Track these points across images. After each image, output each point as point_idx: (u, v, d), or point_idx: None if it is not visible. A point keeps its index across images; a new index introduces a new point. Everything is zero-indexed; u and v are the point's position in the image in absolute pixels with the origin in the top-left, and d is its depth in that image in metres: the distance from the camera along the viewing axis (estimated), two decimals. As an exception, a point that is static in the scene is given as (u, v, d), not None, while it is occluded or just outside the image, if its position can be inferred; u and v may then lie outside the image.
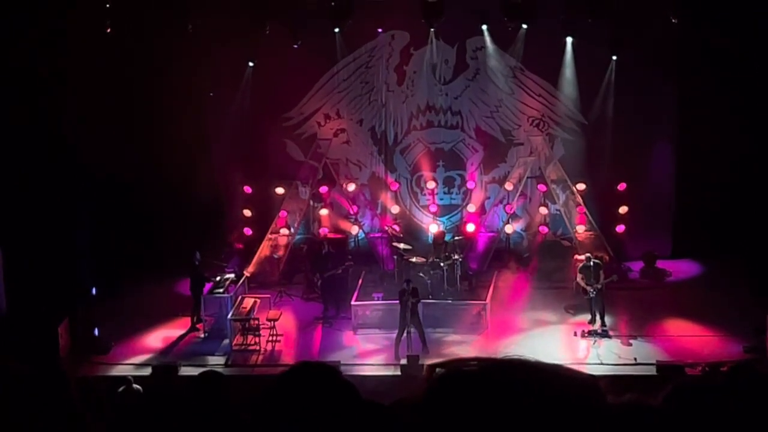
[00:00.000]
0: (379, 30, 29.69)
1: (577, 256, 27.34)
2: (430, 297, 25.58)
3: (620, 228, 29.50)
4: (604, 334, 24.19)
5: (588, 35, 28.40)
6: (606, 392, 2.72)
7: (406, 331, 23.35)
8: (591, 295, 24.49)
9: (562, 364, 2.62)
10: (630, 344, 24.03)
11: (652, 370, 22.31)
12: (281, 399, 3.48)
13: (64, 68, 25.37)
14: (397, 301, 23.74)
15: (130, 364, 23.66)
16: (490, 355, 2.58)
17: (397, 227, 29.77)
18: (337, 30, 28.96)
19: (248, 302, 25.74)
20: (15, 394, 4.16)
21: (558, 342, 24.34)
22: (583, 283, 24.60)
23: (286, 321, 25.90)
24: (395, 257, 28.22)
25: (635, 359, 23.06)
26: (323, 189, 30.25)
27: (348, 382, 3.62)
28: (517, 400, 2.36)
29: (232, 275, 26.83)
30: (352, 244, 30.24)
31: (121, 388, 20.31)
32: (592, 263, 24.77)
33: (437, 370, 2.56)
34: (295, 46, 28.43)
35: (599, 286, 24.47)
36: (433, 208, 30.65)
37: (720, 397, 3.66)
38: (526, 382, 2.42)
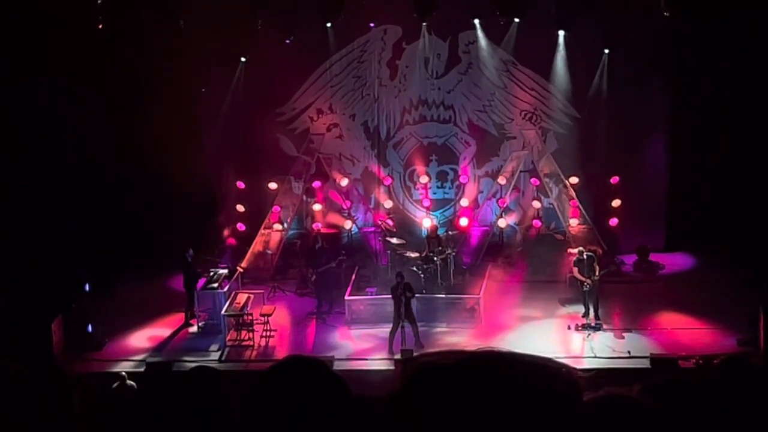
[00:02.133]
0: (371, 24, 29.73)
1: (570, 250, 27.38)
2: (424, 291, 25.55)
3: (613, 221, 29.50)
4: (598, 327, 24.21)
5: (580, 29, 28.44)
6: (587, 385, 2.71)
7: (400, 326, 23.37)
8: (587, 288, 24.50)
9: (538, 356, 2.61)
10: (623, 337, 24.04)
11: (645, 363, 22.32)
12: (270, 392, 3.48)
13: (55, 65, 25.27)
14: (391, 296, 23.74)
15: (124, 361, 23.65)
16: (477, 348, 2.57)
17: (390, 222, 29.76)
18: (329, 25, 29.01)
19: (242, 298, 25.72)
20: (12, 394, 4.15)
21: (551, 335, 24.35)
22: (580, 276, 24.58)
23: (280, 316, 25.88)
24: (389, 252, 28.18)
25: (629, 352, 23.07)
26: (316, 184, 30.25)
27: (336, 375, 3.62)
28: (490, 394, 2.36)
29: (225, 271, 26.79)
30: (346, 238, 30.22)
31: (115, 385, 20.29)
32: (585, 256, 24.78)
33: (410, 364, 2.56)
34: (288, 41, 28.45)
35: (596, 278, 24.47)
36: (426, 203, 30.67)
37: (713, 389, 3.66)
38: (499, 375, 2.41)
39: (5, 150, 24.32)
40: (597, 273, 24.54)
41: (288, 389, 3.46)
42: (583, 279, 24.49)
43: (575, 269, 24.83)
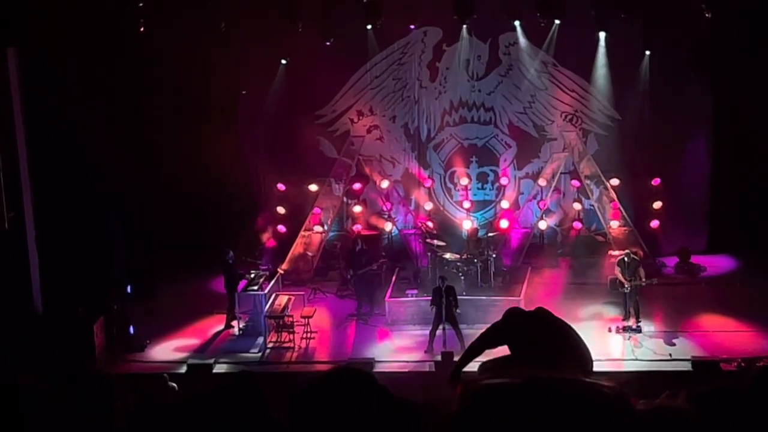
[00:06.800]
0: (412, 26, 29.69)
1: (611, 252, 27.31)
2: (464, 293, 25.49)
3: (654, 223, 29.33)
4: (638, 330, 24.10)
5: (621, 30, 28.33)
6: (637, 393, 2.70)
7: (441, 328, 23.38)
8: (626, 290, 24.38)
9: (590, 380, 2.60)
10: (665, 340, 23.92)
11: (687, 366, 22.19)
12: (314, 404, 3.49)
13: (96, 66, 25.43)
14: (431, 300, 23.77)
15: (166, 362, 23.76)
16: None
17: (430, 223, 29.75)
18: (369, 27, 29.01)
19: (282, 299, 25.82)
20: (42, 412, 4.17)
21: (592, 338, 24.19)
22: (621, 277, 24.45)
23: (321, 318, 25.93)
24: (429, 254, 28.15)
25: (670, 355, 22.94)
26: (356, 186, 30.26)
27: (384, 388, 3.62)
28: (550, 418, 2.35)
29: (266, 272, 26.85)
30: (386, 240, 30.24)
31: (156, 386, 20.37)
32: (629, 259, 24.62)
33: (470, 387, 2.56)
34: (328, 44, 28.50)
35: (636, 284, 24.32)
36: (467, 204, 30.62)
37: (756, 395, 3.63)
38: (556, 399, 2.41)
39: (47, 153, 24.49)
40: (640, 278, 24.38)
41: (332, 402, 3.47)
42: (624, 280, 24.39)
43: (617, 269, 24.71)
